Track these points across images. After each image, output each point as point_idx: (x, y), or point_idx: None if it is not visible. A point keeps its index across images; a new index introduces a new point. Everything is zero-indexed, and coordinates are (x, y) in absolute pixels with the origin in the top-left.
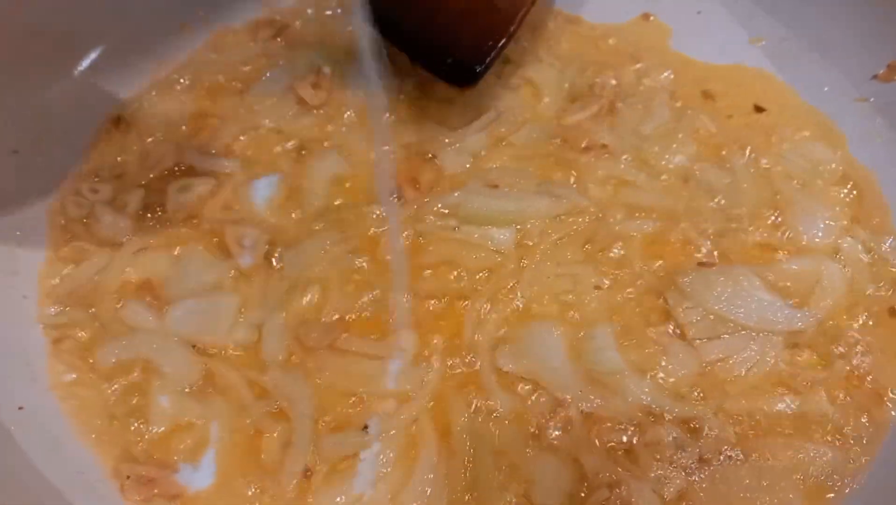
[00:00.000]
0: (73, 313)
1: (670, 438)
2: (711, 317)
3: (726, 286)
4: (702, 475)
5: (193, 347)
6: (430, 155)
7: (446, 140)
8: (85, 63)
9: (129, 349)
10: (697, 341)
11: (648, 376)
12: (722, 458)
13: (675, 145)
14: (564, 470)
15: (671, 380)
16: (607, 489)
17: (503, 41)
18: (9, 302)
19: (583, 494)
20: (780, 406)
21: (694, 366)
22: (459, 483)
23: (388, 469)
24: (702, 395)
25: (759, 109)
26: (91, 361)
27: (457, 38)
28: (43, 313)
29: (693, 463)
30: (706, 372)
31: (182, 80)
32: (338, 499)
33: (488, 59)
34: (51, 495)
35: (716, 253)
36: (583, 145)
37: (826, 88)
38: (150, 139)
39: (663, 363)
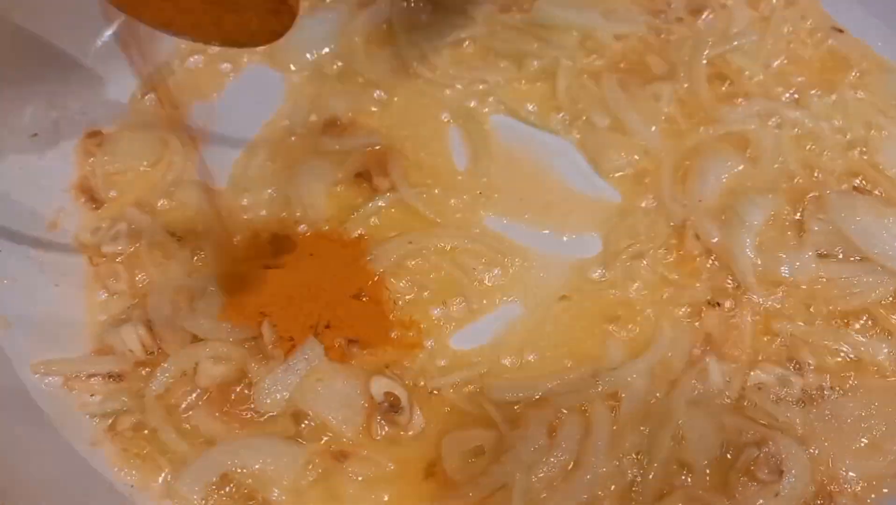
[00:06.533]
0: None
1: (773, 377)
2: (838, 234)
3: (868, 213)
4: (813, 413)
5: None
6: None
7: None
8: (101, 40)
9: (215, 467)
10: (809, 254)
11: None
12: (826, 394)
13: None
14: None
15: None
16: (755, 447)
17: None
18: None
19: (730, 456)
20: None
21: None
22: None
23: None
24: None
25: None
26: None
27: None
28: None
29: (801, 401)
30: (805, 289)
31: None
32: None
33: None
34: None
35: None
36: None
37: None
38: None
39: None
